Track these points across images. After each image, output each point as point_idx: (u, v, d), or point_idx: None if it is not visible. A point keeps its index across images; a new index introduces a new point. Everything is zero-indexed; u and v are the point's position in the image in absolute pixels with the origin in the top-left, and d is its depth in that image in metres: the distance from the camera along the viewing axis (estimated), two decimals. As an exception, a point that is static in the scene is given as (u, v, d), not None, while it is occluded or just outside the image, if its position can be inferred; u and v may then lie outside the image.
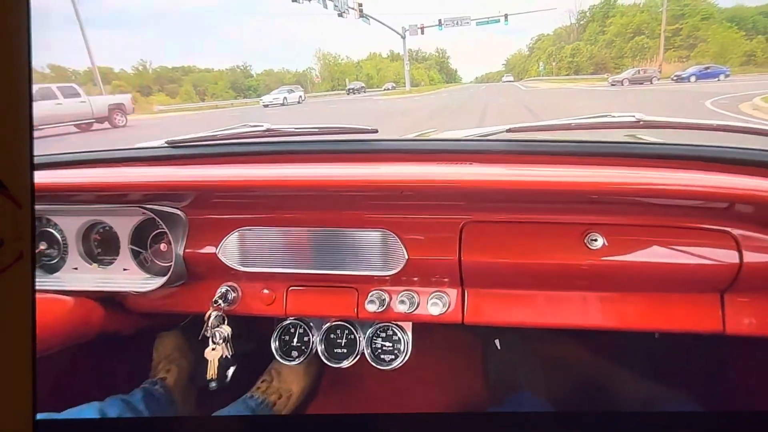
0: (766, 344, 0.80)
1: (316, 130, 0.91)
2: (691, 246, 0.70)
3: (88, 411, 0.76)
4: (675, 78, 10.65)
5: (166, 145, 0.91)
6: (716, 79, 9.89)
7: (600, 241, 0.71)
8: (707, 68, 10.47)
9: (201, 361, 0.96)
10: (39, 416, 0.34)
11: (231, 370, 0.93)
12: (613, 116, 0.81)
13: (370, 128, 0.89)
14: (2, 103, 0.27)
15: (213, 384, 0.81)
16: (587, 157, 0.78)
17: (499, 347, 1.08)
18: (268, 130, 0.91)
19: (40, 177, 0.83)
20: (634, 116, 0.79)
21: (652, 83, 10.28)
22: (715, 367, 0.96)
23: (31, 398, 0.30)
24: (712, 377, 0.98)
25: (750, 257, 0.68)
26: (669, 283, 0.72)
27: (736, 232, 0.69)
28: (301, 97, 11.19)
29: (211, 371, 0.79)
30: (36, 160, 0.91)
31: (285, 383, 1.01)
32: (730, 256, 0.68)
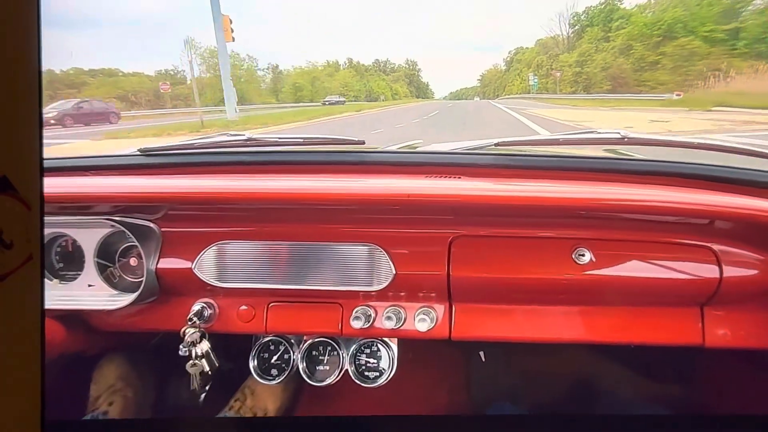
0: (741, 354, 0.83)
1: (300, 140, 0.88)
2: (675, 261, 0.71)
3: None
4: None
5: (139, 153, 0.86)
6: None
7: (587, 256, 0.71)
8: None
9: (149, 388, 0.92)
10: (48, 419, 0.32)
11: (206, 387, 0.88)
12: (599, 132, 0.82)
13: (356, 139, 0.87)
14: (11, 104, 0.27)
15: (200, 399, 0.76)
16: (574, 172, 0.78)
17: (483, 359, 1.06)
18: (249, 139, 0.87)
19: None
20: (618, 133, 0.80)
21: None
22: (692, 378, 0.98)
23: (39, 401, 0.30)
24: (689, 386, 1.00)
25: (729, 271, 0.70)
26: (653, 297, 0.73)
27: (716, 247, 0.70)
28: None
29: (193, 385, 0.74)
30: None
31: (260, 401, 0.97)
32: (710, 271, 0.70)
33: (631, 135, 0.81)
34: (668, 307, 0.74)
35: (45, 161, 0.90)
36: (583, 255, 0.71)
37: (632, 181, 0.74)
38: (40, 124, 0.29)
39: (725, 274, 0.70)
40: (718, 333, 0.74)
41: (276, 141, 0.88)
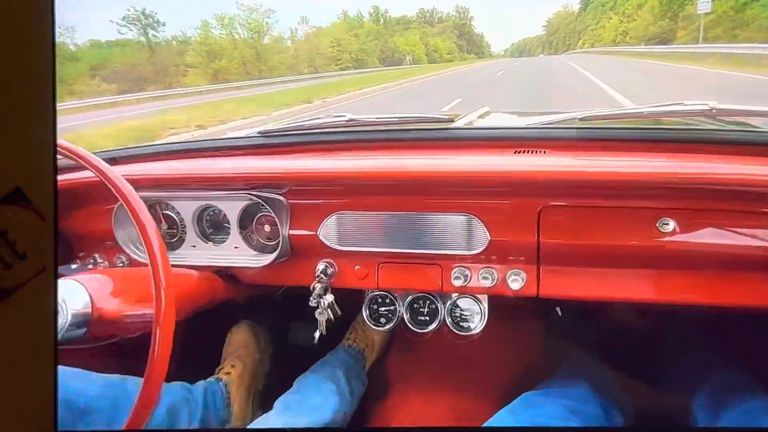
0: None
1: (395, 119, 0.98)
2: (755, 228, 0.76)
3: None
4: None
5: (258, 134, 1.01)
6: None
7: (671, 225, 0.77)
8: None
9: (263, 361, 1.14)
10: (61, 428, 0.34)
11: (317, 334, 1.08)
12: (686, 104, 0.85)
13: (446, 117, 0.95)
14: (25, 114, 0.26)
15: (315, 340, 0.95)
16: (660, 143, 0.83)
17: (560, 314, 1.18)
18: (350, 120, 0.99)
19: (159, 169, 0.95)
20: (707, 104, 0.83)
21: None
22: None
23: (52, 411, 0.30)
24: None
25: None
26: (734, 263, 0.78)
27: None
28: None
29: (320, 330, 0.92)
30: (143, 151, 1.02)
31: (368, 335, 1.19)
32: None
33: (720, 106, 0.84)
34: (748, 272, 0.80)
35: (180, 144, 1.08)
36: (667, 224, 0.77)
37: (722, 153, 0.78)
38: (53, 135, 0.29)
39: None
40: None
41: (374, 121, 0.99)
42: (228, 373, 1.08)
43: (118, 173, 0.64)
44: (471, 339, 0.99)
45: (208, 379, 1.04)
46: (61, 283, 0.65)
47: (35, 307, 0.29)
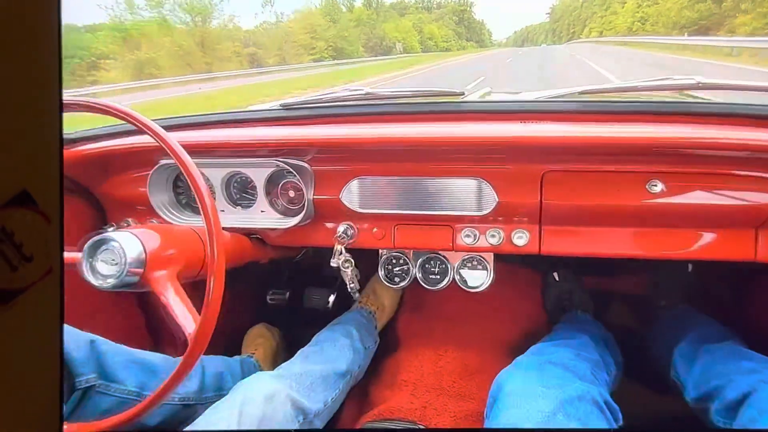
0: None
1: (410, 93, 1.06)
2: (735, 190, 0.85)
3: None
4: None
5: (280, 107, 1.07)
6: None
7: (659, 186, 0.86)
8: None
9: (280, 349, 1.28)
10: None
11: (332, 298, 1.18)
12: (675, 79, 0.94)
13: (457, 91, 1.03)
14: (31, 115, 0.26)
15: (356, 295, 1.04)
16: (651, 115, 0.91)
17: (557, 279, 1.28)
18: (367, 93, 1.06)
19: (189, 137, 1.01)
20: (693, 79, 0.92)
21: None
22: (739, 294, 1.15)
23: (58, 415, 0.30)
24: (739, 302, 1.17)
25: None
26: (714, 221, 0.88)
27: None
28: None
29: (355, 286, 1.01)
30: (169, 122, 1.09)
31: (379, 299, 1.29)
32: (766, 198, 0.84)
33: (705, 80, 0.93)
34: (726, 229, 0.90)
35: (206, 116, 1.15)
36: (655, 185, 0.86)
37: (705, 122, 0.87)
38: (59, 136, 0.29)
39: (780, 201, 0.84)
40: (768, 250, 0.89)
41: (390, 94, 1.06)
42: (254, 352, 1.21)
43: (174, 139, 0.70)
44: (476, 298, 1.08)
45: (240, 356, 1.16)
46: (117, 235, 0.72)
47: (42, 309, 0.29)
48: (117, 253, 0.70)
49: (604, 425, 0.71)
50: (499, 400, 0.77)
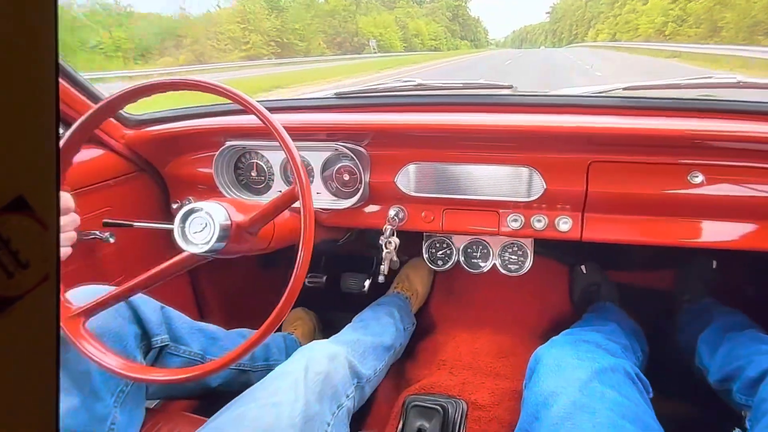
0: None
1: (460, 85, 1.11)
2: None
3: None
4: None
5: (335, 96, 1.13)
6: None
7: (700, 178, 0.91)
8: None
9: (315, 328, 1.36)
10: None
11: (367, 283, 1.24)
12: (717, 77, 0.99)
13: (506, 84, 1.08)
14: (26, 119, 0.25)
15: (381, 278, 1.08)
16: (692, 111, 0.97)
17: (584, 271, 1.33)
18: (418, 84, 1.11)
19: (251, 120, 1.07)
20: (734, 77, 0.97)
21: None
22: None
23: (54, 422, 0.29)
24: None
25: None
26: (753, 212, 0.93)
27: None
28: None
29: (385, 269, 1.06)
30: (226, 107, 1.14)
31: (413, 285, 1.34)
32: None
33: (746, 79, 0.98)
34: (761, 220, 0.95)
35: (272, 102, 1.22)
36: (696, 177, 0.92)
37: (745, 119, 0.92)
38: (56, 141, 0.28)
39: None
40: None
41: (440, 86, 1.12)
42: (294, 330, 1.28)
43: (277, 120, 0.76)
44: (507, 287, 1.14)
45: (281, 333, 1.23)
46: (205, 204, 0.78)
47: (38, 316, 0.28)
48: (207, 221, 0.76)
49: (636, 394, 0.75)
50: (536, 372, 0.82)
